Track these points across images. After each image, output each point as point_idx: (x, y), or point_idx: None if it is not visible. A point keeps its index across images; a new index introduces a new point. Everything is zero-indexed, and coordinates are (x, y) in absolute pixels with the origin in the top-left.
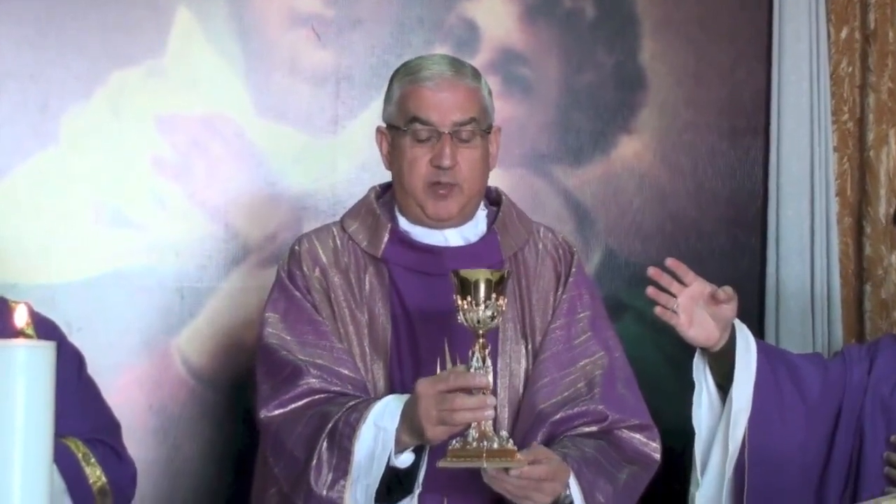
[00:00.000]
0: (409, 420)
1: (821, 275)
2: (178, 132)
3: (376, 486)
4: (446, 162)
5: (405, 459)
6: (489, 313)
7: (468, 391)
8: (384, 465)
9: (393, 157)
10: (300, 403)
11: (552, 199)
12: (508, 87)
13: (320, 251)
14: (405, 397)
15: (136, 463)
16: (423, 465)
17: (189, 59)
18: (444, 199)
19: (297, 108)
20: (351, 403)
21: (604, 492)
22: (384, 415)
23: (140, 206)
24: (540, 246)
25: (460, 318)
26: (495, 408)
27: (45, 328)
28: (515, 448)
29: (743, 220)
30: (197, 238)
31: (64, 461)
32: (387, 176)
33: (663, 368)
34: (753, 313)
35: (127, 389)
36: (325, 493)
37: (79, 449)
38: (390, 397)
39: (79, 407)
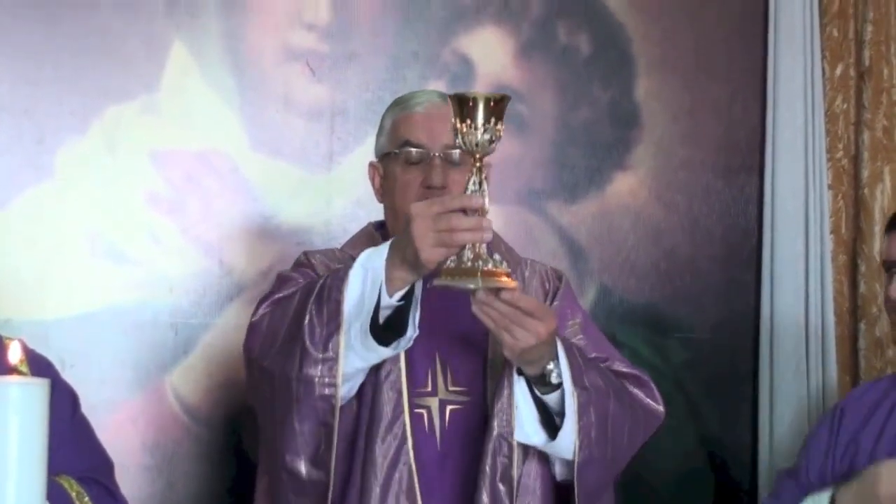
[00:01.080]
0: (401, 249)
1: (815, 312)
2: (173, 167)
3: (368, 321)
4: (437, 180)
5: (396, 301)
6: (487, 137)
7: (464, 213)
8: (375, 300)
9: (385, 188)
10: (288, 292)
11: (547, 235)
12: (503, 123)
13: (328, 262)
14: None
15: (130, 501)
16: (417, 307)
17: (184, 94)
18: None
19: (292, 144)
20: (336, 267)
21: (594, 382)
22: (371, 256)
23: (134, 241)
24: (527, 273)
25: (458, 141)
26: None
27: (38, 365)
28: (509, 270)
29: (738, 258)
30: (191, 273)
31: (57, 500)
32: (381, 212)
33: None
34: (748, 351)
35: (120, 426)
36: (320, 354)
37: (72, 488)
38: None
39: (72, 445)
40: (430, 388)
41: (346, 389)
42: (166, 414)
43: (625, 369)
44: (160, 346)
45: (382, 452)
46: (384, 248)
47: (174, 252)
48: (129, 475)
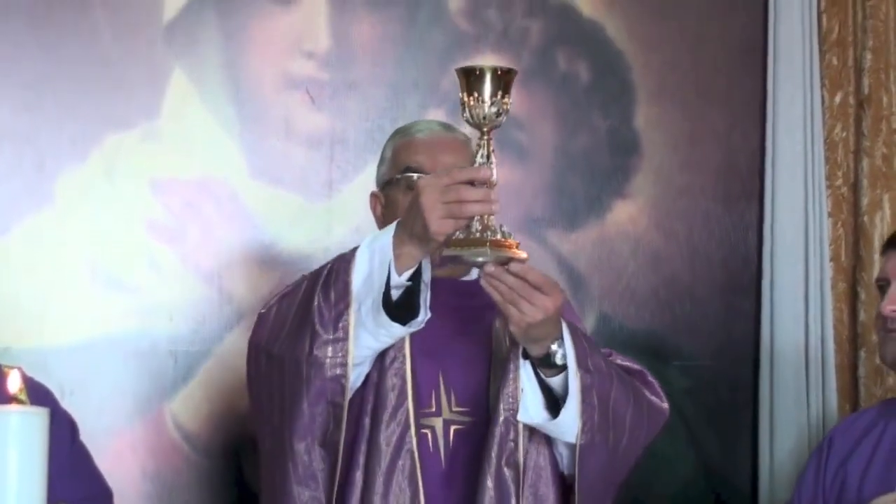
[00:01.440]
0: (409, 224)
1: (815, 340)
2: (173, 195)
3: (380, 298)
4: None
5: (405, 281)
6: (494, 109)
7: (472, 185)
8: (384, 277)
9: (387, 216)
10: (294, 287)
11: (546, 263)
12: (503, 151)
13: None
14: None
15: None
16: (427, 289)
17: (184, 122)
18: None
19: (292, 172)
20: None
21: (597, 365)
22: (377, 236)
23: (134, 268)
24: None
25: (465, 114)
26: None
27: (38, 394)
28: (518, 242)
29: (737, 285)
30: (191, 301)
31: None
32: None
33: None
34: (748, 378)
35: (120, 454)
36: (330, 335)
37: None
38: None
39: (71, 474)
40: (434, 409)
41: (354, 375)
42: (166, 442)
43: (628, 364)
44: (160, 373)
45: (385, 473)
46: (390, 227)
47: (174, 280)
48: (129, 503)
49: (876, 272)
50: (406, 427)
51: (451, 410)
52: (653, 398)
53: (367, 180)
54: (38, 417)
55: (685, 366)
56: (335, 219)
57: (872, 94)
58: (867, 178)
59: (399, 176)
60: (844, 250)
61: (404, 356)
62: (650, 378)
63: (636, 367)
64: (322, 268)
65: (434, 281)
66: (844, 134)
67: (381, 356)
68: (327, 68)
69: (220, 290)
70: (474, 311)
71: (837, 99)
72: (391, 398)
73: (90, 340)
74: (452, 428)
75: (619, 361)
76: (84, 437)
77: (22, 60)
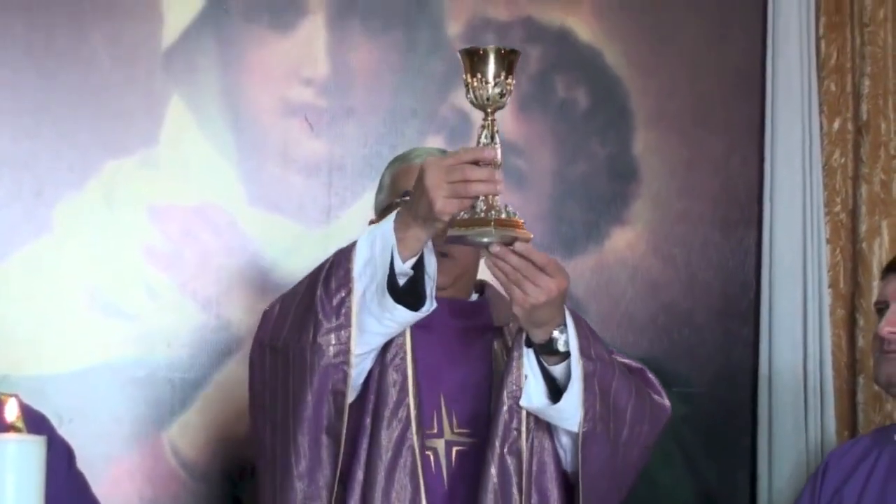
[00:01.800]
0: (413, 206)
1: (814, 367)
2: (171, 221)
3: (385, 281)
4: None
5: (409, 268)
6: (498, 90)
7: (477, 165)
8: (388, 261)
9: None
10: (296, 285)
11: None
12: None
13: None
14: None
15: None
16: (432, 279)
17: (182, 148)
18: (439, 266)
19: (290, 198)
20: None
21: (600, 354)
22: (378, 224)
23: (131, 295)
24: None
25: (469, 95)
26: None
27: (35, 422)
28: (523, 221)
29: (735, 312)
30: (188, 328)
31: None
32: None
33: (657, 460)
34: (746, 405)
35: (117, 482)
36: (332, 322)
37: None
38: None
39: (68, 501)
40: (436, 430)
41: (359, 367)
42: (163, 469)
43: (627, 361)
44: (157, 401)
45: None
46: (392, 214)
47: (172, 307)
48: None
49: (874, 298)
50: (407, 424)
51: (452, 432)
52: (654, 395)
53: (365, 207)
54: (35, 445)
55: (683, 392)
56: (333, 245)
57: (871, 120)
58: (865, 205)
59: (398, 202)
60: (843, 276)
61: (405, 352)
62: (650, 375)
63: (636, 364)
64: (324, 262)
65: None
66: (843, 160)
67: (383, 352)
68: (325, 95)
69: (217, 317)
70: (475, 332)
71: (836, 125)
72: (392, 394)
73: (88, 367)
74: (455, 449)
75: (619, 359)
76: (82, 464)
77: (21, 87)
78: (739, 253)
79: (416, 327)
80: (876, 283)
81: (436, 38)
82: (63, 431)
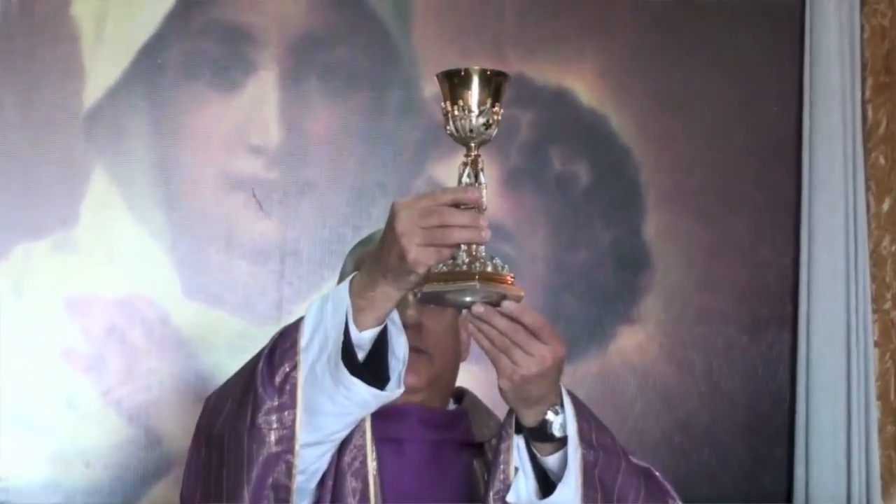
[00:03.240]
0: (380, 257)
1: (859, 495)
2: (92, 317)
3: (339, 349)
4: (410, 320)
5: (367, 336)
6: (483, 120)
7: (458, 208)
8: (342, 324)
9: None
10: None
11: None
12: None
13: None
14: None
15: None
16: (402, 361)
17: (105, 230)
18: (411, 364)
19: (234, 290)
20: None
21: (603, 442)
22: (334, 288)
23: (44, 405)
24: None
25: (449, 127)
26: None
27: None
28: (513, 276)
29: (766, 430)
30: (112, 445)
31: None
32: None
33: None
34: None
35: None
36: (275, 401)
37: None
38: None
39: None
40: None
41: (309, 458)
42: None
43: (634, 460)
44: None
45: None
46: (351, 275)
47: (92, 419)
48: None
49: None
50: None
51: None
52: (668, 500)
53: None
54: None
55: None
56: None
57: None
58: None
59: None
60: (893, 387)
61: (365, 454)
62: (657, 475)
63: (642, 463)
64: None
65: (402, 409)
66: (894, 248)
67: (339, 455)
68: (277, 166)
69: (146, 432)
70: (451, 448)
71: (885, 206)
72: None
73: None
74: None
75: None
76: None
77: None
78: (770, 359)
79: (382, 439)
80: None
81: (408, 99)
82: None
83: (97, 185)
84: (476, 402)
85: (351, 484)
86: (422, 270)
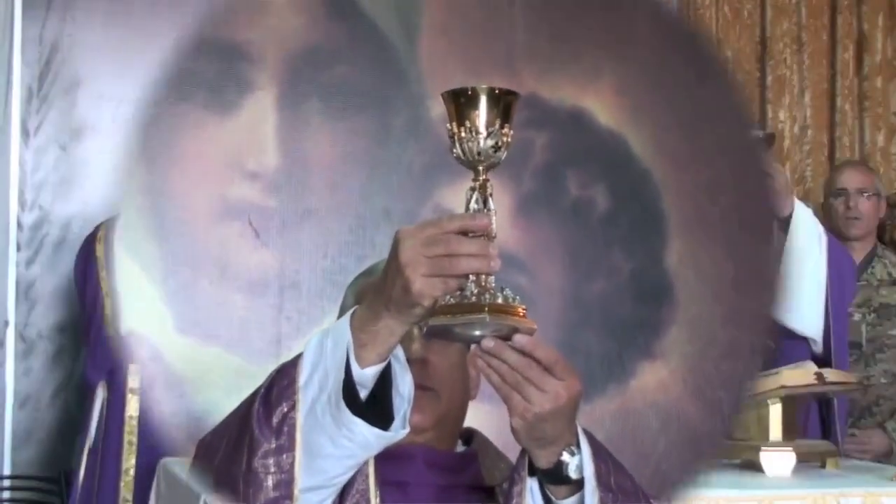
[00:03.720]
0: (384, 290)
1: None
2: None
3: (340, 387)
4: (416, 354)
5: (369, 373)
6: (492, 143)
7: (466, 235)
8: (343, 360)
9: None
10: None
11: None
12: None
13: None
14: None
15: None
16: (406, 401)
17: None
18: (417, 402)
19: (229, 325)
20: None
21: (622, 485)
22: (333, 323)
23: None
24: None
25: (456, 150)
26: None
27: None
28: (525, 308)
29: None
30: None
31: None
32: None
33: None
34: None
35: None
36: (272, 443)
37: None
38: None
39: None
40: None
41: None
42: None
43: None
44: None
45: None
46: (353, 309)
47: None
48: None
49: None
50: None
51: None
52: None
53: None
54: None
55: None
56: None
57: None
58: None
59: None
60: None
61: (368, 499)
62: None
63: None
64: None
65: (407, 451)
66: None
67: (340, 498)
68: (275, 193)
69: None
70: (459, 492)
71: None
72: None
73: None
74: None
75: None
76: None
77: None
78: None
79: (386, 483)
80: None
81: (414, 120)
82: None
83: None
84: (486, 442)
85: None
86: (427, 303)
